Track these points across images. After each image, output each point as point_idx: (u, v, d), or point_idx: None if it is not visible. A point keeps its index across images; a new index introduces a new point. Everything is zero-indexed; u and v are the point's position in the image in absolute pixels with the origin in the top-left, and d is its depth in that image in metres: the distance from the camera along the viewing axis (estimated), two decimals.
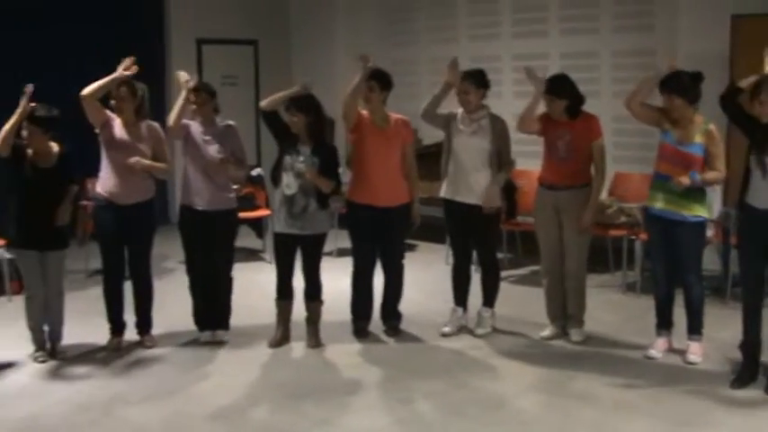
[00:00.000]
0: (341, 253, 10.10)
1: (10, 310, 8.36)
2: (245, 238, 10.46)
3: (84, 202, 9.14)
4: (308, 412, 6.16)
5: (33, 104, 6.86)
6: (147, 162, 7.26)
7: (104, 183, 7.31)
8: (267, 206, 10.35)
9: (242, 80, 13.71)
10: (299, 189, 7.20)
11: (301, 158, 7.18)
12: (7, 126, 6.80)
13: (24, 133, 6.89)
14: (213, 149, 7.36)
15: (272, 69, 13.62)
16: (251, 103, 12.92)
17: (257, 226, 11.08)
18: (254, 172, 10.99)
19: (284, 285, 7.48)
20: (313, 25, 13.73)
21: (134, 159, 7.16)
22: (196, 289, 7.57)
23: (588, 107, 7.43)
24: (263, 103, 7.30)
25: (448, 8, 12.52)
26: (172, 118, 7.29)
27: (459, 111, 7.56)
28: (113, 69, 7.09)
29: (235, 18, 13.47)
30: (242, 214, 8.56)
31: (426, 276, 9.55)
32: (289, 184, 7.22)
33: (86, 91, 7.03)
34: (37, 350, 7.25)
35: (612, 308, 8.52)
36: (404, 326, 7.86)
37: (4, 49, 11.04)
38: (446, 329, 7.77)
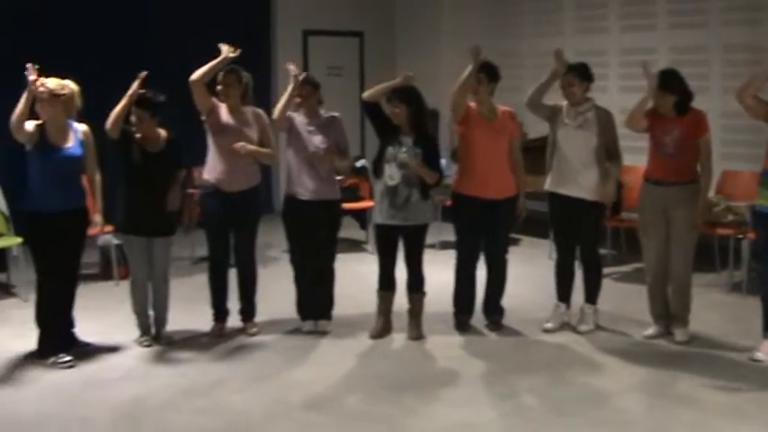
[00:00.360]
0: (444, 246, 10.10)
1: (117, 294, 8.53)
2: (349, 229, 10.51)
3: (191, 190, 9.26)
4: (407, 404, 6.16)
5: (142, 90, 6.99)
6: (253, 147, 7.33)
7: (211, 169, 7.40)
8: (371, 197, 10.36)
9: (347, 71, 13.80)
10: (402, 180, 7.20)
11: (404, 149, 7.18)
12: (117, 108, 6.91)
13: (133, 118, 7.02)
14: (317, 140, 7.39)
15: (376, 61, 13.70)
16: (356, 94, 12.84)
17: (360, 217, 11.10)
18: (359, 163, 11.05)
19: (386, 276, 7.49)
20: (418, 17, 13.77)
21: (240, 144, 7.22)
22: (299, 279, 7.63)
23: (697, 103, 7.29)
24: (366, 95, 7.31)
25: (554, 1, 12.42)
26: (277, 110, 7.33)
27: (565, 104, 7.49)
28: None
29: (341, 10, 13.59)
30: (346, 205, 8.62)
31: (529, 271, 9.49)
32: (391, 175, 7.22)
33: (195, 75, 7.13)
34: (142, 334, 7.38)
35: (718, 308, 8.35)
36: (506, 320, 7.83)
37: (116, 43, 11.25)
38: (548, 325, 7.72)
